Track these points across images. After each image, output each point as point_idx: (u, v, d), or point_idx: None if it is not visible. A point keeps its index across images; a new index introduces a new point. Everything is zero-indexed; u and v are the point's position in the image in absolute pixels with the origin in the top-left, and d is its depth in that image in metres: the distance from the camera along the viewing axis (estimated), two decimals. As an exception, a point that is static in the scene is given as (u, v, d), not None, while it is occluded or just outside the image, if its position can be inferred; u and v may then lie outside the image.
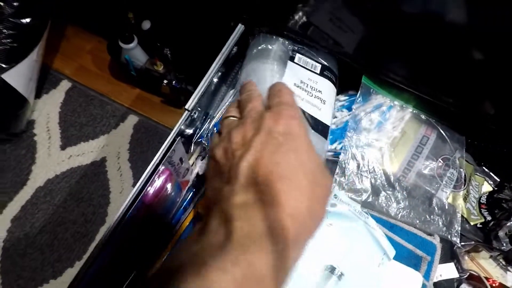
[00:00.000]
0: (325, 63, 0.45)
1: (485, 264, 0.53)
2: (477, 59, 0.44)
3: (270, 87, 0.30)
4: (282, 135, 0.24)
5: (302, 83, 0.42)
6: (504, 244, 0.50)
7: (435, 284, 0.43)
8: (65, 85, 0.83)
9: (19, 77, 0.67)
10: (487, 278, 0.52)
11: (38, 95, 0.81)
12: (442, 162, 0.48)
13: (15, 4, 0.61)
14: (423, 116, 0.50)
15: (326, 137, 0.41)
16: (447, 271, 0.43)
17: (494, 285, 0.51)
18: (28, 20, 0.64)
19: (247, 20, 0.51)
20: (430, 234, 0.44)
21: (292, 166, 0.23)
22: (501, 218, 0.51)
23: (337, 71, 0.48)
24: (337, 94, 0.51)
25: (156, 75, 0.75)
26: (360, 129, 0.48)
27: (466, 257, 0.53)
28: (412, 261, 0.40)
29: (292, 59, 0.44)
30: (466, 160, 0.51)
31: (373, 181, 0.45)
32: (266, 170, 0.22)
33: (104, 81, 0.85)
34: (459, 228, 0.45)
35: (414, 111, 0.50)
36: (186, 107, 0.42)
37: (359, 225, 0.39)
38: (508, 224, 0.51)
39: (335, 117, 0.50)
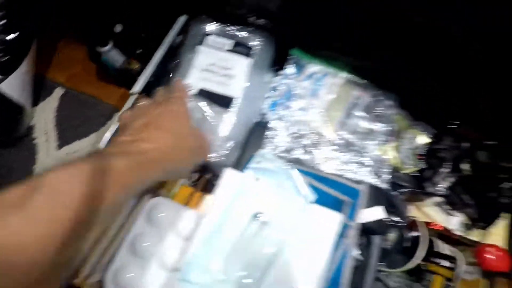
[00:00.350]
0: (240, 40, 0.50)
1: (430, 212, 0.57)
2: (405, 25, 0.48)
3: (173, 85, 0.45)
4: (170, 112, 0.38)
5: (212, 65, 0.49)
6: (440, 189, 0.54)
7: (365, 225, 0.47)
8: (59, 91, 0.92)
9: (13, 87, 0.76)
10: (430, 223, 0.56)
11: (35, 103, 0.90)
12: (374, 118, 0.52)
13: (1, 22, 0.71)
14: (357, 80, 0.55)
15: (227, 106, 0.48)
16: (375, 213, 0.47)
17: (439, 229, 0.55)
18: (15, 35, 0.73)
19: (190, 10, 0.57)
20: (360, 183, 0.48)
21: (170, 127, 0.36)
22: (436, 165, 0.54)
23: (264, 46, 0.52)
24: (280, 69, 0.56)
25: (133, 73, 0.82)
26: (295, 96, 0.53)
27: (413, 207, 0.57)
28: (335, 205, 0.45)
29: (202, 43, 0.50)
30: (401, 116, 0.55)
31: (305, 141, 0.50)
32: (152, 125, 0.35)
33: (92, 85, 0.94)
34: (390, 176, 0.50)
35: (348, 76, 0.55)
36: (131, 91, 0.49)
37: (283, 178, 0.45)
38: (443, 170, 0.54)
39: (276, 89, 0.55)
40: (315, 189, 0.46)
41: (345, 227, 0.45)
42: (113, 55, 0.83)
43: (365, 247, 0.51)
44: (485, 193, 0.54)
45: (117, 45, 0.82)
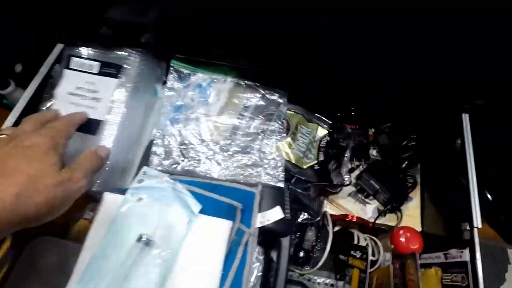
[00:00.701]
0: (111, 61, 0.48)
1: (344, 203, 0.56)
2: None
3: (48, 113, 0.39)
4: (24, 149, 0.32)
5: (78, 88, 0.46)
6: (346, 179, 0.53)
7: (265, 227, 0.45)
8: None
9: None
10: (346, 215, 0.55)
11: None
12: (264, 118, 0.51)
13: None
14: (245, 83, 0.54)
15: (94, 133, 0.44)
16: (273, 215, 0.45)
17: (355, 220, 0.54)
18: None
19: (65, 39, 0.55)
20: (255, 185, 0.47)
21: (19, 169, 0.30)
22: (339, 155, 0.54)
23: (142, 63, 0.49)
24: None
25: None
26: (184, 108, 0.51)
27: (328, 201, 0.56)
28: (229, 212, 0.43)
29: (68, 65, 0.48)
30: (295, 112, 0.54)
31: (192, 152, 0.48)
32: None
33: None
34: (283, 174, 0.48)
35: (236, 80, 0.54)
36: (1, 127, 0.45)
37: (167, 193, 0.42)
38: (347, 159, 0.54)
39: (165, 104, 0.52)
40: (205, 198, 0.43)
41: (240, 234, 0.42)
42: (17, 96, 0.80)
43: (276, 251, 0.49)
44: (390, 175, 0.54)
45: (20, 85, 0.79)
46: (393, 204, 0.53)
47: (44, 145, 0.32)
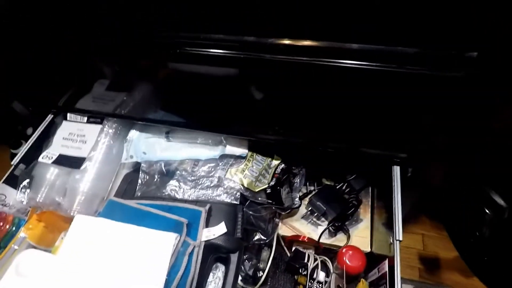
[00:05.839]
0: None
1: (297, 224, 0.61)
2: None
3: None
4: None
5: (71, 134, 0.60)
6: (296, 202, 0.59)
7: (215, 244, 0.51)
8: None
9: None
10: (298, 236, 0.59)
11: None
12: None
13: None
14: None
15: (78, 166, 0.56)
16: (218, 230, 0.51)
17: (304, 240, 0.59)
18: None
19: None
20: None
21: None
22: (290, 181, 0.60)
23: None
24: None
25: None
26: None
27: (283, 223, 0.61)
28: (177, 227, 0.50)
29: (66, 118, 0.62)
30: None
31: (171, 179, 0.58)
32: None
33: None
34: (238, 194, 0.55)
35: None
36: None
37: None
38: (296, 184, 0.60)
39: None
40: (158, 217, 0.51)
41: (186, 245, 0.49)
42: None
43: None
44: (337, 197, 0.59)
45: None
46: (335, 223, 0.57)
47: None
